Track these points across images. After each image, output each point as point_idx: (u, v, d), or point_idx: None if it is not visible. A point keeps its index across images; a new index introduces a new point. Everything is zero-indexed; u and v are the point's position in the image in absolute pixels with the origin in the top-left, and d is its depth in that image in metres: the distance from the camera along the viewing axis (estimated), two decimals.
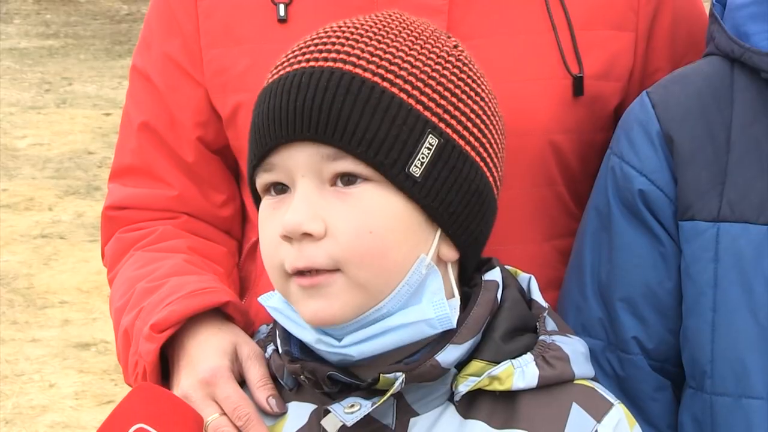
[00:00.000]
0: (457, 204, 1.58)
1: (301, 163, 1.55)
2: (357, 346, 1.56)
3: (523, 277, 1.71)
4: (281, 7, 1.87)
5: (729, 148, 1.75)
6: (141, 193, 1.97)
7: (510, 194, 1.82)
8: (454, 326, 1.58)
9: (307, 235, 1.53)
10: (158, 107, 1.96)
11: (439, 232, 1.59)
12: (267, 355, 1.69)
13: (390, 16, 1.63)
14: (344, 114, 1.53)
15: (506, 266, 1.70)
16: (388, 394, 1.54)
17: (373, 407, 1.54)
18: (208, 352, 1.70)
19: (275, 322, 1.67)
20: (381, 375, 1.54)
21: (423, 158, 1.55)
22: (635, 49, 1.91)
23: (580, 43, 1.86)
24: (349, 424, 1.54)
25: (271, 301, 1.64)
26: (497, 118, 1.64)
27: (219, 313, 1.76)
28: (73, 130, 9.06)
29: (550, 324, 1.66)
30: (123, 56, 11.30)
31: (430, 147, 1.55)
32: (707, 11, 1.91)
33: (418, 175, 1.54)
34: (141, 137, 1.97)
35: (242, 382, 1.69)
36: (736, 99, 1.77)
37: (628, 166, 1.79)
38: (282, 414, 1.65)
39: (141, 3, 13.16)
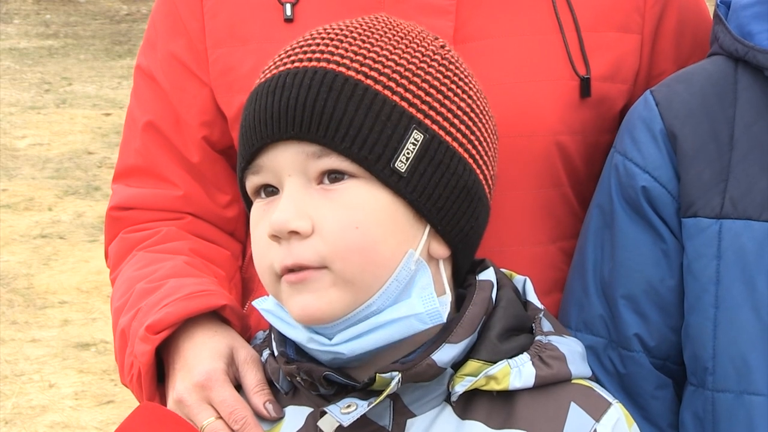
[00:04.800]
0: (444, 199, 1.57)
1: (288, 162, 1.55)
2: (348, 344, 1.56)
3: (518, 279, 1.71)
4: (288, 6, 1.86)
5: (732, 146, 1.75)
6: (146, 193, 1.96)
7: (516, 195, 1.81)
8: (444, 321, 1.58)
9: (294, 234, 1.53)
10: (163, 107, 1.96)
11: (427, 228, 1.58)
12: (263, 360, 1.69)
13: (377, 18, 1.64)
14: (327, 111, 1.53)
15: (501, 268, 1.70)
16: (385, 393, 1.53)
17: (370, 407, 1.54)
18: (203, 356, 1.69)
19: (271, 327, 1.66)
20: (377, 375, 1.54)
21: (408, 153, 1.54)
22: (641, 52, 1.91)
23: (587, 45, 1.86)
24: (345, 424, 1.54)
25: (264, 304, 1.64)
26: (487, 118, 1.64)
27: (216, 317, 1.75)
28: (73, 130, 9.07)
29: (546, 325, 1.66)
30: (123, 56, 11.32)
31: (416, 142, 1.55)
32: (711, 14, 1.90)
33: (403, 171, 1.54)
34: (146, 137, 1.97)
35: (238, 386, 1.68)
36: (740, 97, 1.77)
37: (631, 163, 1.78)
38: (279, 418, 1.64)
39: (141, 3, 13.19)
